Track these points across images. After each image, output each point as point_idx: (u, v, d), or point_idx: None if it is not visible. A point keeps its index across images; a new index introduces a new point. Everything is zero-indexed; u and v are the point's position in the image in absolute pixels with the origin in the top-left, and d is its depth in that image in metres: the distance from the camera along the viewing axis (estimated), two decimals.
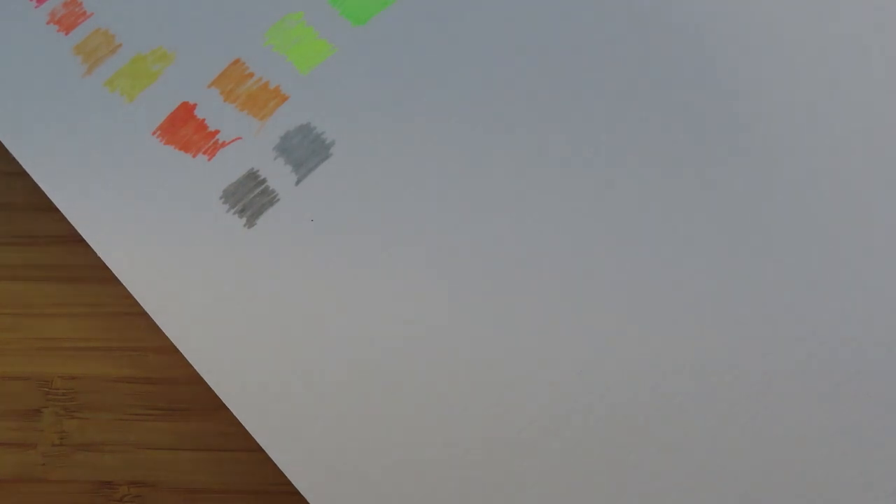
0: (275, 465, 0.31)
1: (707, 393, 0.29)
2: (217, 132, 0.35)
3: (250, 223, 0.34)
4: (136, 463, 0.34)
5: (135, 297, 0.33)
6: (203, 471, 0.33)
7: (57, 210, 0.35)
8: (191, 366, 0.32)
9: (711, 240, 0.30)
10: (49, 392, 0.35)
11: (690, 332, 0.29)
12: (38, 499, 0.34)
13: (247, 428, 0.31)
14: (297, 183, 0.34)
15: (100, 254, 0.34)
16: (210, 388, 0.32)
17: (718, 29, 0.33)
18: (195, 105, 0.35)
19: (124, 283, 0.33)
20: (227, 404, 0.31)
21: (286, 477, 0.31)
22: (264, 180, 0.34)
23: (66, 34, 0.37)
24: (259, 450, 0.31)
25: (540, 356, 0.30)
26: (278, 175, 0.34)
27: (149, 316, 0.33)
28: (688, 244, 0.30)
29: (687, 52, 0.33)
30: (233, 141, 0.34)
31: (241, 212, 0.34)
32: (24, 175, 0.36)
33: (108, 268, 0.34)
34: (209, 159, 0.34)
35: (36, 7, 0.37)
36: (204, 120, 0.35)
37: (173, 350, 0.33)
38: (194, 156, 0.34)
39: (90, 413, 0.34)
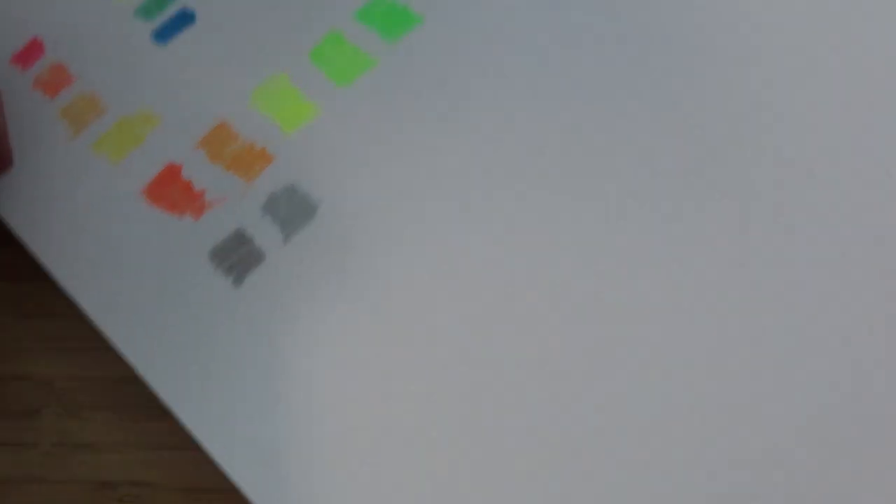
0: None
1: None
2: (203, 193, 0.36)
3: (238, 282, 0.35)
4: (136, 463, 0.35)
5: (127, 359, 0.34)
6: (203, 471, 0.34)
7: None
8: None
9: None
10: (49, 392, 0.36)
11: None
12: (38, 499, 0.35)
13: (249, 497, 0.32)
14: (285, 242, 0.35)
15: (93, 318, 0.35)
16: None
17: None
18: (181, 166, 0.37)
19: (116, 345, 0.35)
20: (221, 466, 0.32)
21: None
22: (251, 240, 0.35)
23: (52, 98, 0.39)
24: None
25: (552, 390, 0.31)
26: (265, 234, 0.35)
27: None
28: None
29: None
30: (219, 201, 0.36)
31: (229, 271, 0.35)
32: None
33: None
34: (196, 220, 0.36)
35: (22, 71, 0.39)
36: (190, 181, 0.37)
37: None
38: (181, 216, 0.36)
39: (90, 413, 0.35)
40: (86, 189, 0.37)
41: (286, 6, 0.38)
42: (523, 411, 0.31)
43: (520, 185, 0.34)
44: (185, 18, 0.39)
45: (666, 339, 0.31)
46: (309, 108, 0.37)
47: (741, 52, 0.35)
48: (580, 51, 0.36)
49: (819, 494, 0.29)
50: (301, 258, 0.35)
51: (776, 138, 0.34)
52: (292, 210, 0.36)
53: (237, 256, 0.35)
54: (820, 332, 0.31)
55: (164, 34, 0.39)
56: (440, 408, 0.32)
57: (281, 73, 0.38)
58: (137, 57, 0.39)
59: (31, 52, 0.39)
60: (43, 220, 0.37)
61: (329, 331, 0.34)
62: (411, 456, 0.31)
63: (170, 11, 0.39)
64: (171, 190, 0.37)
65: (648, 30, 0.36)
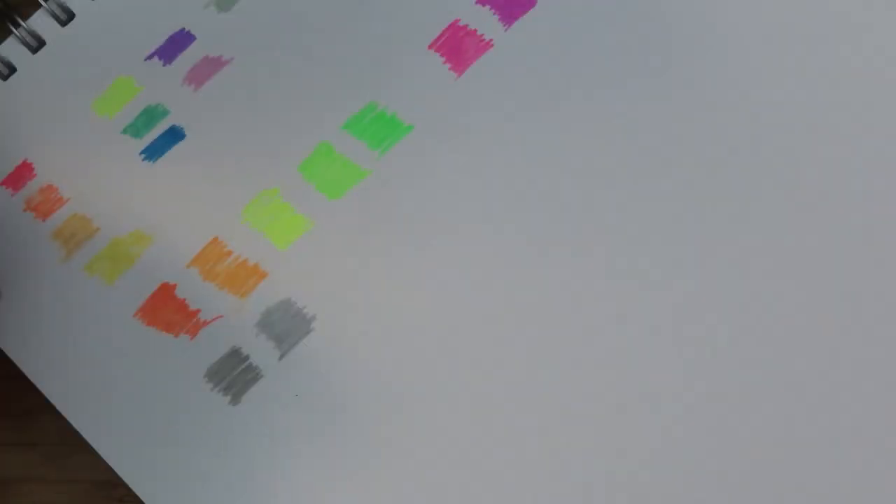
0: None
1: None
2: (198, 311, 0.36)
3: (235, 400, 0.35)
4: None
5: (125, 481, 0.34)
6: None
7: None
8: None
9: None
10: None
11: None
12: (38, 499, 0.36)
13: None
14: (281, 358, 0.35)
15: (91, 441, 0.35)
16: None
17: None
18: (175, 285, 0.37)
19: (114, 467, 0.35)
20: None
21: None
22: (247, 357, 0.36)
23: (44, 220, 0.39)
24: None
25: None
26: (261, 351, 0.36)
27: None
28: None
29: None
30: (214, 319, 0.36)
31: (226, 389, 0.35)
32: None
33: None
34: (191, 339, 0.36)
35: (13, 195, 0.39)
36: (185, 300, 0.37)
37: None
38: (176, 336, 0.36)
39: None
40: (79, 311, 0.37)
41: (274, 120, 0.39)
42: None
43: (519, 299, 0.34)
44: (173, 135, 0.39)
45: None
46: (301, 223, 0.37)
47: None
48: (575, 159, 0.36)
49: None
50: (298, 375, 0.35)
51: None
52: (287, 326, 0.36)
53: (234, 375, 0.35)
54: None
55: (154, 152, 0.39)
56: None
57: (272, 187, 0.38)
58: (127, 176, 0.39)
59: (20, 174, 0.40)
60: (37, 344, 0.37)
61: (326, 450, 0.34)
62: None
63: (158, 129, 0.40)
64: (166, 310, 0.37)
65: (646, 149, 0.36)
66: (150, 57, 0.41)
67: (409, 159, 0.37)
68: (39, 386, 0.36)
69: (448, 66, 0.39)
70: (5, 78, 0.41)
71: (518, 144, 0.37)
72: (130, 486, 0.34)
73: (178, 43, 0.41)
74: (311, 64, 0.39)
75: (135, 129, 0.40)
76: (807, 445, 0.31)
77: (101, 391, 0.36)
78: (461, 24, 0.39)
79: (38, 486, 0.36)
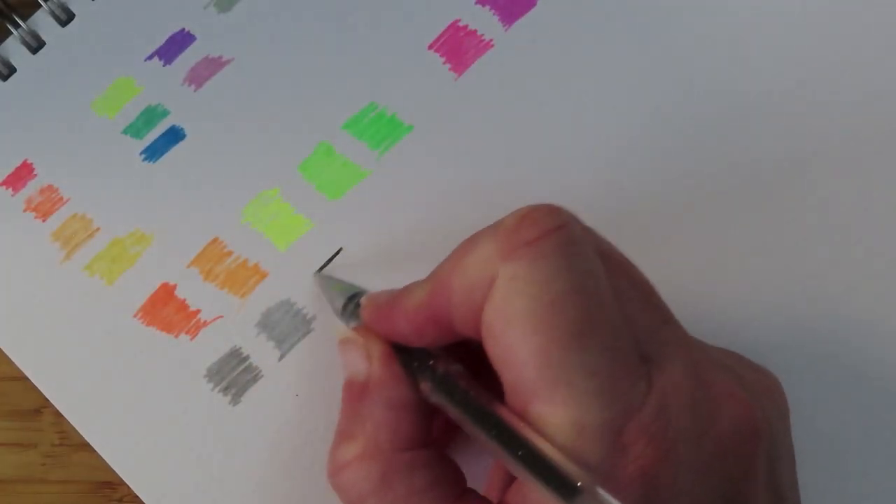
0: None
1: None
2: (198, 312, 0.37)
3: (235, 401, 0.35)
4: None
5: (125, 480, 0.35)
6: None
7: None
8: None
9: None
10: None
11: None
12: (38, 499, 0.36)
13: None
14: (281, 359, 0.35)
15: (92, 442, 0.35)
16: None
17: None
18: (175, 286, 0.37)
19: (109, 463, 0.35)
20: None
21: None
22: (247, 357, 0.36)
23: (44, 221, 0.39)
24: None
25: None
26: (261, 352, 0.36)
27: None
28: None
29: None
30: (214, 320, 0.36)
31: (226, 389, 0.35)
32: None
33: None
34: (192, 339, 0.36)
35: (13, 195, 0.39)
36: (185, 300, 0.37)
37: None
38: (176, 336, 0.36)
39: None
40: (79, 312, 0.37)
41: (274, 120, 0.39)
42: None
43: None
44: (174, 135, 0.40)
45: None
46: (301, 223, 0.37)
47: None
48: (575, 159, 0.37)
49: None
50: (298, 375, 0.35)
51: None
52: (287, 326, 0.36)
53: (234, 375, 0.36)
54: None
55: (154, 152, 0.39)
56: None
57: (272, 187, 0.38)
58: (128, 176, 0.39)
59: (20, 174, 0.40)
60: (37, 344, 0.37)
61: (326, 450, 0.34)
62: None
63: (159, 129, 0.40)
64: (166, 310, 0.37)
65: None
66: (150, 57, 0.41)
67: (409, 159, 0.38)
68: (39, 386, 0.36)
69: (448, 66, 0.39)
70: (5, 78, 0.42)
71: (518, 144, 0.37)
72: (130, 486, 0.35)
73: (178, 43, 0.41)
74: (312, 64, 0.40)
75: (135, 130, 0.40)
76: None
77: (101, 391, 0.36)
78: (461, 24, 0.39)
79: (38, 486, 0.36)
